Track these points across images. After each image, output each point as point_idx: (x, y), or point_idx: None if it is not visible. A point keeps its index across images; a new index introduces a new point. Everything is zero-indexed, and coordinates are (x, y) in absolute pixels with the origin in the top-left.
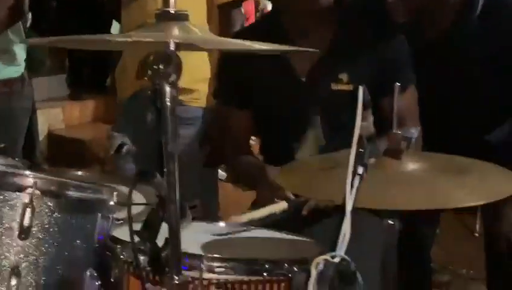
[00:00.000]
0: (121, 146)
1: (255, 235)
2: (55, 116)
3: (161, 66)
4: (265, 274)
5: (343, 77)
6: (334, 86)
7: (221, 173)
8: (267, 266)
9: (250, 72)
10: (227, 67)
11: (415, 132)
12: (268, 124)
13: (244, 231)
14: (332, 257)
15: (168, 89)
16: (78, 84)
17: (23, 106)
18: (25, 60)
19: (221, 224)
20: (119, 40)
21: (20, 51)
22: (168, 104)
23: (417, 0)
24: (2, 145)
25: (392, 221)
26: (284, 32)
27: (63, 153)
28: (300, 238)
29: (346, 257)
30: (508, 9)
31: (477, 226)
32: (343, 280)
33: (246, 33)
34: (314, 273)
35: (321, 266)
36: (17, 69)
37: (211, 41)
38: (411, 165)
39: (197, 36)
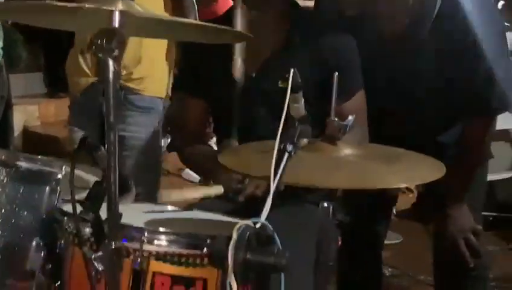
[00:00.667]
0: (84, 140)
1: (194, 216)
2: (31, 113)
3: (105, 41)
4: (204, 249)
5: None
6: (282, 84)
7: (195, 176)
8: (208, 240)
9: (206, 63)
10: (186, 56)
11: (351, 119)
12: (218, 116)
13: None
14: (254, 223)
15: (110, 62)
16: (54, 82)
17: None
18: (1, 49)
19: (169, 207)
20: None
21: None
22: (111, 77)
23: (381, 7)
24: None
25: (326, 204)
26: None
27: (38, 149)
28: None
29: (265, 222)
30: (461, 14)
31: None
32: (261, 242)
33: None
34: (234, 236)
35: (241, 230)
36: None
37: (153, 16)
38: (346, 151)
39: (137, 9)
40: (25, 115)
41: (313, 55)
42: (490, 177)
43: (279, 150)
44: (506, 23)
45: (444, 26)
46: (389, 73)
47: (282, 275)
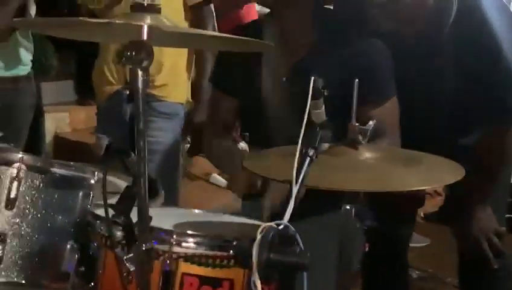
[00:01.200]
0: (109, 146)
1: (219, 219)
2: (62, 120)
3: (134, 53)
4: (231, 250)
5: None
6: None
7: (222, 181)
8: (234, 242)
9: (243, 66)
10: (224, 57)
11: (371, 124)
12: (249, 116)
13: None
14: (278, 225)
15: (140, 73)
16: (85, 89)
17: (28, 102)
18: (31, 61)
19: (196, 210)
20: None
21: (26, 52)
22: (140, 86)
23: (401, 10)
24: (1, 134)
25: (348, 206)
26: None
27: (68, 155)
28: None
29: (288, 224)
30: (479, 17)
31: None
32: (284, 243)
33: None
34: (258, 237)
35: (264, 232)
36: (24, 68)
37: (179, 29)
38: (366, 155)
39: (166, 24)
40: (56, 122)
41: (342, 59)
42: None
43: (301, 154)
44: None
45: (462, 29)
46: (408, 74)
47: (305, 275)
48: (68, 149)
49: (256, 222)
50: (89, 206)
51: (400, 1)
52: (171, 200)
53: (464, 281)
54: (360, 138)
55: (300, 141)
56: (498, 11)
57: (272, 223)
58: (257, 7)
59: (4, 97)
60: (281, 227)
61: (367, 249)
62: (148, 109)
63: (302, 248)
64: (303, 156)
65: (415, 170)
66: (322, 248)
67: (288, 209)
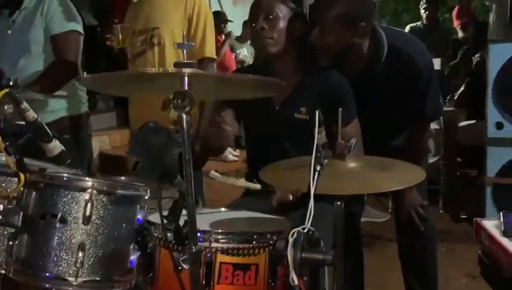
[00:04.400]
0: (136, 164)
1: (245, 216)
2: (103, 141)
3: (179, 100)
4: (254, 242)
5: (303, 109)
6: (296, 115)
7: (215, 174)
8: (255, 236)
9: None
10: None
11: (353, 141)
12: (249, 135)
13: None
14: (303, 229)
15: (184, 116)
16: (121, 118)
17: (88, 133)
18: (88, 100)
19: (222, 209)
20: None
21: (83, 94)
22: (185, 126)
23: (334, 49)
24: (69, 161)
25: (339, 202)
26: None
27: (109, 166)
28: (274, 216)
29: (312, 228)
30: (404, 59)
31: (390, 204)
32: (311, 244)
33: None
34: (291, 240)
35: (295, 235)
36: (83, 107)
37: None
38: (352, 164)
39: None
40: (100, 142)
41: (321, 91)
42: None
43: (314, 170)
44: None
45: (391, 63)
46: (358, 97)
47: (326, 268)
48: (108, 161)
49: (272, 216)
50: (145, 216)
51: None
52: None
53: (401, 240)
54: (346, 152)
55: (313, 159)
56: (414, 43)
57: (299, 228)
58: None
59: (70, 131)
60: (305, 231)
61: None
62: (171, 140)
63: (323, 247)
64: (314, 171)
65: (390, 174)
66: (322, 233)
67: (308, 216)
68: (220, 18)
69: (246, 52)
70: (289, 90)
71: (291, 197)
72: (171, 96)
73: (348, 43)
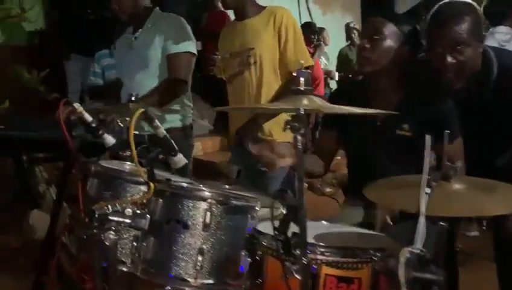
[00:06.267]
0: (239, 172)
1: (345, 230)
2: (196, 147)
3: (296, 123)
4: (358, 257)
5: (406, 126)
6: (399, 132)
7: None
8: (359, 251)
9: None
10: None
11: (459, 164)
12: (349, 152)
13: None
14: (414, 249)
15: (299, 138)
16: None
17: (190, 144)
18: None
19: (323, 222)
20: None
21: (190, 108)
22: (300, 147)
23: (465, 74)
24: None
25: (443, 223)
26: (366, 94)
27: (202, 171)
28: (374, 232)
29: (423, 249)
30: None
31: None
32: (421, 264)
33: (337, 94)
34: (402, 260)
35: (407, 254)
36: (189, 119)
37: (326, 107)
38: (457, 186)
39: (318, 104)
40: (194, 149)
41: (425, 109)
42: None
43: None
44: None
45: (502, 83)
46: (463, 115)
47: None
48: (201, 167)
49: (368, 231)
50: (255, 225)
51: (465, 67)
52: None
53: (502, 262)
54: (452, 173)
55: (424, 183)
56: None
57: (411, 248)
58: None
59: (177, 141)
60: (416, 251)
61: None
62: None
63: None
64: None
65: (494, 197)
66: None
67: (420, 237)
68: (310, 29)
69: (325, 60)
70: (391, 106)
71: (389, 219)
72: (290, 118)
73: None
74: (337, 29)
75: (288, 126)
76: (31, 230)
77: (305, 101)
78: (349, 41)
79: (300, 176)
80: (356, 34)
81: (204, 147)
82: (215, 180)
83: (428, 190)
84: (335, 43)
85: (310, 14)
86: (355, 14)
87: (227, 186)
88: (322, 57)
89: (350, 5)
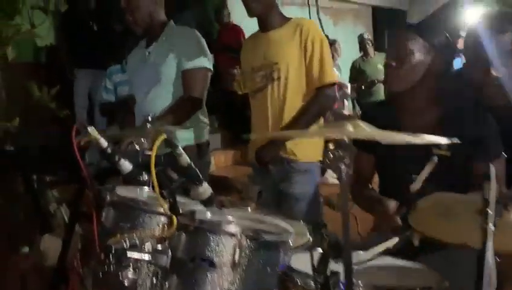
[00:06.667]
0: (260, 193)
1: (382, 263)
2: None
3: (340, 152)
4: None
5: (443, 145)
6: (436, 151)
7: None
8: None
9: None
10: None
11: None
12: (384, 171)
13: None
14: None
15: (343, 167)
16: (224, 142)
17: (208, 161)
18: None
19: (360, 252)
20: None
21: (205, 124)
22: (344, 177)
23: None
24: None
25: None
26: (394, 114)
27: (213, 185)
28: (415, 265)
29: None
30: None
31: None
32: None
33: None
34: None
35: None
36: (205, 136)
37: (373, 134)
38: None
39: (365, 131)
40: None
41: (464, 127)
42: None
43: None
44: None
45: None
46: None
47: None
48: (214, 182)
49: (410, 265)
50: (287, 261)
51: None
52: None
53: None
54: (510, 201)
55: (491, 221)
56: None
57: None
58: None
59: (192, 158)
60: None
61: None
62: (289, 168)
63: None
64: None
65: None
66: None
67: (486, 284)
68: None
69: (337, 72)
70: (426, 124)
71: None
72: (332, 146)
73: None
74: (348, 40)
75: (331, 155)
76: (42, 256)
77: (350, 128)
78: (362, 53)
79: (345, 211)
80: (370, 44)
81: (217, 161)
82: (228, 196)
83: (492, 228)
84: (347, 53)
85: (321, 25)
86: (367, 24)
87: (249, 210)
88: (334, 69)
89: (362, 15)
